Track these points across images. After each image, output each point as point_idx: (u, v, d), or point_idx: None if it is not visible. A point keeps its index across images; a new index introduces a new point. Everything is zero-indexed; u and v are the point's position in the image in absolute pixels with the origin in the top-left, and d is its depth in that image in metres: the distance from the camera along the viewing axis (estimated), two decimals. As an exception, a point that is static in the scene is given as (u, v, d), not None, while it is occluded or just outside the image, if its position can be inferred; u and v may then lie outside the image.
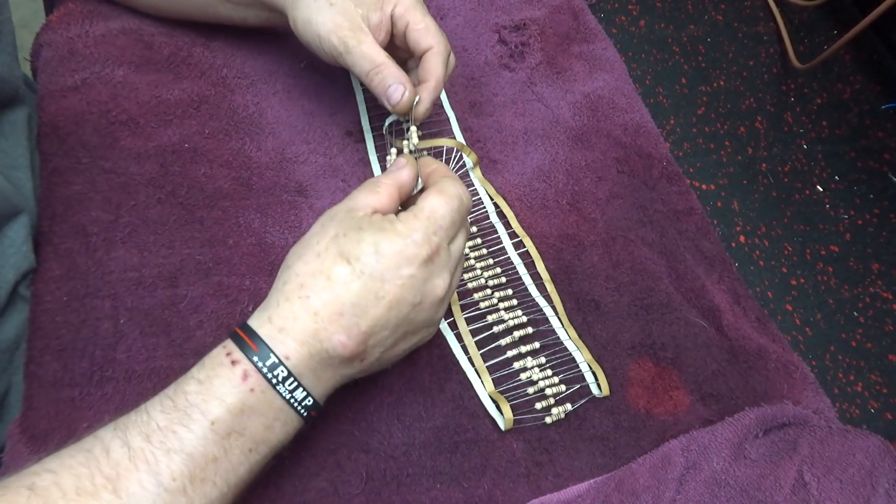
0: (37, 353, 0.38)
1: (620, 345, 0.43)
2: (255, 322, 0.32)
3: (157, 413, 0.30)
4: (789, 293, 0.48)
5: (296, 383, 0.31)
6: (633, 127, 0.52)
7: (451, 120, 0.50)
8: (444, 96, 0.51)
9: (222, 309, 0.40)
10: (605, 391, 0.40)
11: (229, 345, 0.31)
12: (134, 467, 0.28)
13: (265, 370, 0.30)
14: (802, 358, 0.43)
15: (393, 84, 0.40)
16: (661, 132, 0.52)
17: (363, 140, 0.48)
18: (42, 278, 0.40)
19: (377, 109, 0.50)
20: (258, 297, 0.41)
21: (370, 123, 0.49)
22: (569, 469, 0.39)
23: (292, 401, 0.31)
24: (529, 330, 0.43)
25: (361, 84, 0.50)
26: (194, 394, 0.30)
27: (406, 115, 0.41)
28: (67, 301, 0.39)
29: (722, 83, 0.57)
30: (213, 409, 0.30)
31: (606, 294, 0.45)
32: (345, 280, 0.32)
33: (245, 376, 0.30)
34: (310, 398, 0.32)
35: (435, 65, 0.40)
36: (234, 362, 0.31)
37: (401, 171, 0.36)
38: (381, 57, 0.40)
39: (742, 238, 0.50)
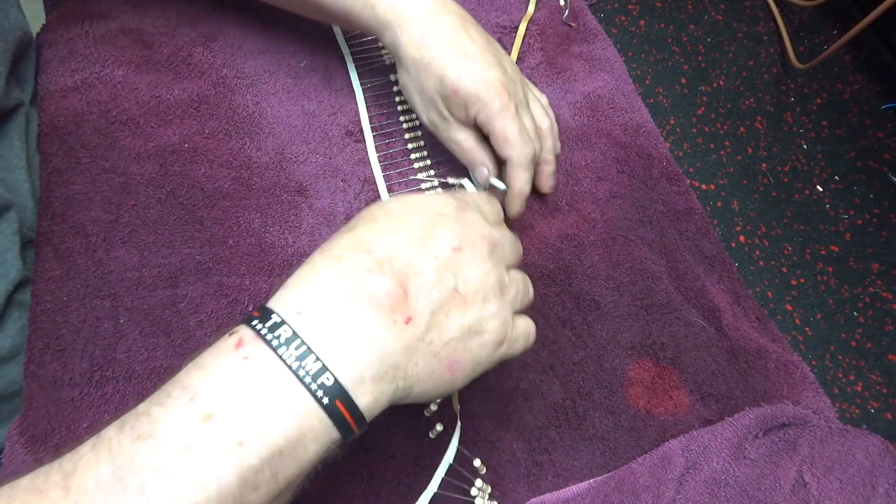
0: (37, 353, 0.38)
1: (620, 345, 0.43)
2: None
3: (143, 402, 0.24)
4: (789, 293, 0.48)
5: (304, 347, 0.24)
6: (633, 127, 0.52)
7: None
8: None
9: (222, 309, 0.40)
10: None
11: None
12: (95, 459, 0.23)
13: (264, 331, 0.24)
14: (802, 358, 0.43)
15: (478, 166, 0.41)
16: (661, 132, 0.52)
17: (363, 140, 0.48)
18: (42, 278, 0.40)
19: (378, 109, 0.50)
20: (258, 296, 0.41)
21: (370, 123, 0.49)
22: (569, 469, 0.39)
23: (301, 373, 0.24)
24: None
25: (361, 83, 0.50)
26: (181, 371, 0.25)
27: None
28: (67, 301, 0.39)
29: (722, 83, 0.57)
30: (195, 381, 0.24)
31: (606, 294, 0.45)
32: (368, 221, 0.29)
33: (239, 343, 0.24)
34: (329, 375, 0.24)
35: (512, 175, 0.40)
36: (231, 334, 0.25)
37: None
38: (468, 142, 0.41)
39: (742, 238, 0.50)
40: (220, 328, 0.40)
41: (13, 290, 0.39)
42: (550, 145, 0.44)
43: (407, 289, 0.27)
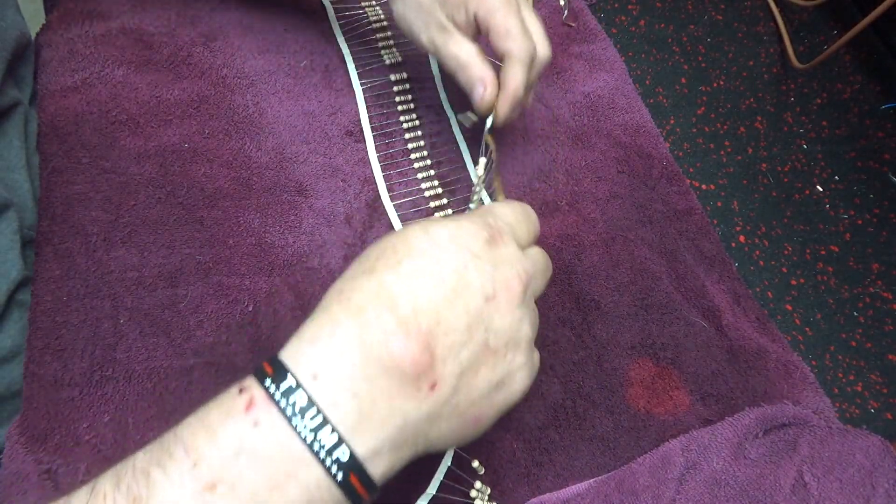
0: (37, 353, 0.38)
1: (620, 345, 0.43)
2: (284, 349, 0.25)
3: (141, 452, 0.23)
4: (789, 293, 0.48)
5: (320, 417, 0.22)
6: (633, 127, 0.52)
7: (450, 120, 0.50)
8: (444, 97, 0.51)
9: (222, 309, 0.40)
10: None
11: (248, 378, 0.24)
12: None
13: (277, 395, 0.22)
14: (802, 358, 0.43)
15: (476, 83, 0.39)
16: (661, 132, 0.52)
17: (363, 140, 0.48)
18: (42, 278, 0.40)
19: (378, 109, 0.50)
20: (258, 296, 0.41)
21: (370, 123, 0.49)
22: (569, 469, 0.39)
23: (315, 446, 0.22)
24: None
25: (361, 83, 0.50)
26: (185, 426, 0.23)
27: (489, 115, 0.40)
28: (67, 301, 0.39)
29: (722, 83, 0.57)
30: (200, 444, 0.22)
31: (606, 294, 0.45)
32: (392, 266, 0.25)
33: (249, 405, 0.23)
34: (345, 449, 0.22)
35: (509, 72, 0.38)
36: (241, 390, 0.23)
37: None
38: (467, 55, 0.39)
39: (742, 238, 0.50)
40: (220, 328, 0.40)
41: (14, 290, 0.39)
42: (544, 58, 0.41)
43: (434, 351, 0.24)
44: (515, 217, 0.30)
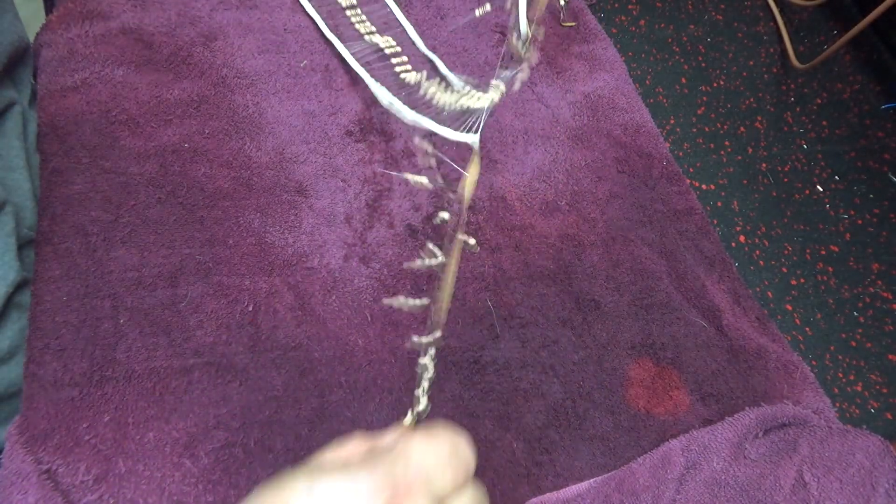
0: (37, 353, 0.37)
1: (620, 345, 0.43)
2: None
3: None
4: (789, 293, 0.48)
5: None
6: (633, 127, 0.52)
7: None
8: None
9: (222, 309, 0.40)
10: None
11: None
12: None
13: None
14: (802, 358, 0.43)
15: None
16: (661, 132, 0.52)
17: (363, 140, 0.48)
18: (42, 278, 0.40)
19: (378, 108, 0.50)
20: (258, 296, 0.41)
21: (371, 122, 0.49)
22: (569, 469, 0.39)
23: None
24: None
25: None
26: None
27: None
28: (67, 301, 0.39)
29: (722, 83, 0.57)
30: None
31: (606, 294, 0.45)
32: None
33: None
34: None
35: None
36: None
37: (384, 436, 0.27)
38: None
39: (742, 238, 0.50)
40: (220, 328, 0.40)
41: (12, 292, 0.39)
42: None
43: None
44: (437, 461, 0.25)
